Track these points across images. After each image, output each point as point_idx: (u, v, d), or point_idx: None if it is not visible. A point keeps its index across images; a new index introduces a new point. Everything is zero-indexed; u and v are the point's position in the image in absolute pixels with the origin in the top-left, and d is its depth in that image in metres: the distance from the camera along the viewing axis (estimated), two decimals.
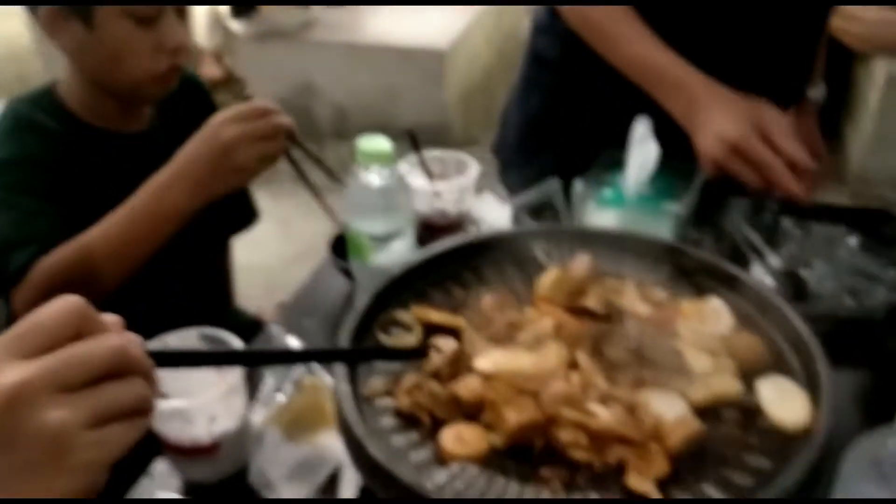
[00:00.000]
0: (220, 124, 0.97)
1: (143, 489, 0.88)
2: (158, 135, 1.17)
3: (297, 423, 0.93)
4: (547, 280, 0.83)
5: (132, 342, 0.46)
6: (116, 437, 0.44)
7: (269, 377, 0.99)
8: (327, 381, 0.94)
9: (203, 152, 0.97)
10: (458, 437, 0.67)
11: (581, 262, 0.84)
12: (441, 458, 0.66)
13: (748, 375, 0.73)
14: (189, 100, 1.24)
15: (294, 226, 2.88)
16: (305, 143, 1.05)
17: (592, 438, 0.66)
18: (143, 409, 0.46)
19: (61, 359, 0.43)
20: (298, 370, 1.01)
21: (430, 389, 0.71)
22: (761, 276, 1.05)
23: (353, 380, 0.74)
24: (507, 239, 0.94)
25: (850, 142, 3.13)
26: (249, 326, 1.35)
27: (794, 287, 1.08)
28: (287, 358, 0.91)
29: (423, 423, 0.70)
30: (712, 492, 0.63)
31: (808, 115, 1.40)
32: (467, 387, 0.71)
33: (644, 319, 0.77)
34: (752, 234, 1.15)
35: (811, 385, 0.70)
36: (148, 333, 0.60)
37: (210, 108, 1.24)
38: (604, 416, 0.66)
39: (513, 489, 0.63)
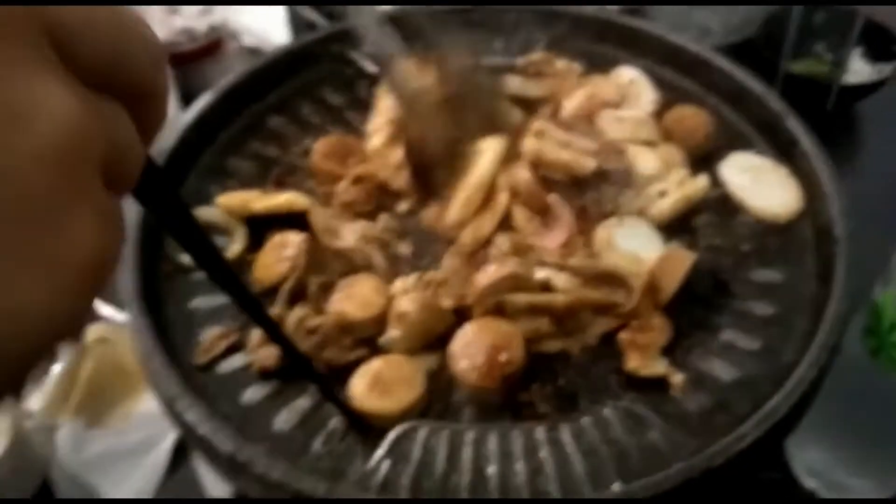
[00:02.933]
0: None
1: None
2: None
3: (97, 398, 0.64)
4: None
5: None
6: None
7: None
8: (118, 320, 0.65)
9: None
10: (378, 382, 0.43)
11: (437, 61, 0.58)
12: (361, 427, 0.43)
13: (702, 161, 0.55)
14: None
15: None
16: None
17: (559, 320, 0.45)
18: None
19: None
20: None
21: (304, 325, 0.46)
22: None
23: (169, 344, 0.46)
24: (303, 55, 0.64)
25: None
26: None
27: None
28: None
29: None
30: (737, 338, 0.46)
31: None
32: (359, 302, 0.46)
33: (558, 121, 0.54)
34: None
35: (784, 152, 0.54)
36: None
37: None
38: (565, 284, 0.45)
39: (491, 441, 0.41)
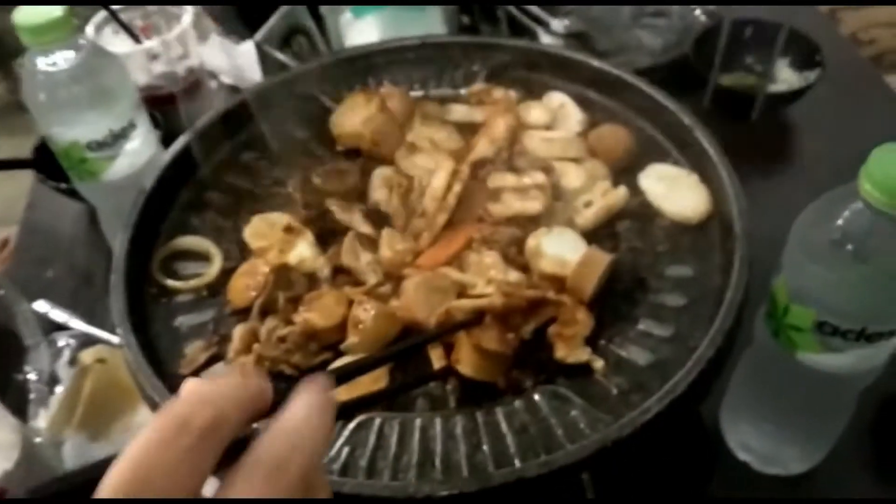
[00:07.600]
0: None
1: None
2: None
3: (98, 413, 0.70)
4: None
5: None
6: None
7: (30, 368, 0.74)
8: (114, 342, 0.71)
9: None
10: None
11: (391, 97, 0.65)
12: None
13: (624, 173, 0.62)
14: None
15: None
16: None
17: (498, 318, 0.52)
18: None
19: None
20: (63, 343, 0.76)
21: (275, 334, 0.52)
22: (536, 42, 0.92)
23: (155, 357, 0.53)
24: (273, 93, 0.71)
25: None
26: None
27: (585, 47, 0.98)
28: None
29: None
30: (652, 327, 0.52)
31: None
32: (323, 312, 0.53)
33: (497, 141, 0.61)
34: (528, 3, 1.00)
35: (695, 161, 0.61)
36: None
37: None
38: (493, 290, 0.52)
39: (437, 426, 0.48)
